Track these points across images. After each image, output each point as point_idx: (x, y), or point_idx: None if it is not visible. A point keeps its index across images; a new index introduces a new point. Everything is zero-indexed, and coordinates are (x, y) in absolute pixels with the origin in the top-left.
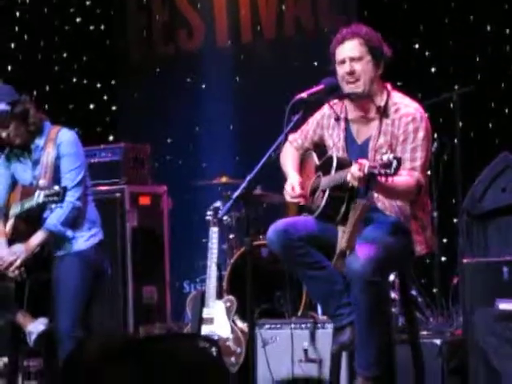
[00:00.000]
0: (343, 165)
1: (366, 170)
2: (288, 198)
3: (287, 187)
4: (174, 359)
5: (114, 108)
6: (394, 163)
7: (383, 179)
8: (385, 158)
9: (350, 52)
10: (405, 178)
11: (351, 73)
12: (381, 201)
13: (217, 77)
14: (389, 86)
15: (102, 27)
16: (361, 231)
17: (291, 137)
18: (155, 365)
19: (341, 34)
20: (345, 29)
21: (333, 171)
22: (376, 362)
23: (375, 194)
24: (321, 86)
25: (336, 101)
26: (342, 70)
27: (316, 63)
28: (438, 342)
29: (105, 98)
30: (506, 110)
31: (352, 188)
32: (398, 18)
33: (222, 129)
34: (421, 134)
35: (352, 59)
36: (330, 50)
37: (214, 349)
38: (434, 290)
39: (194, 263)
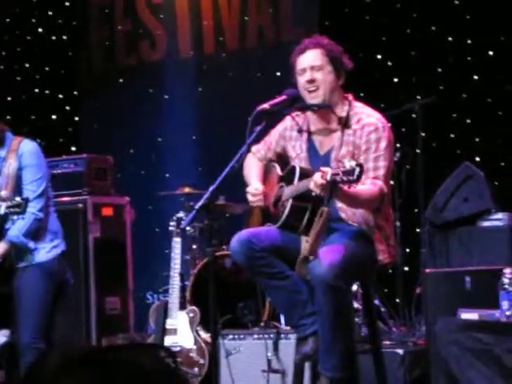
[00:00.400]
0: (306, 175)
1: (328, 178)
2: (250, 198)
3: (249, 189)
4: (134, 369)
5: (76, 119)
6: (357, 170)
7: (346, 187)
8: (347, 165)
9: (310, 61)
10: (368, 186)
11: (311, 81)
12: (344, 211)
13: (179, 87)
14: (350, 97)
15: (65, 37)
16: (324, 239)
17: (254, 148)
18: (115, 375)
19: (303, 44)
20: (307, 39)
21: (296, 181)
22: (340, 366)
23: (338, 204)
24: (283, 97)
25: (298, 112)
26: (302, 79)
27: (278, 74)
28: (400, 351)
29: (67, 108)
30: (468, 121)
31: (315, 197)
32: (359, 29)
33: (184, 139)
34: (383, 144)
35: (312, 68)
36: (291, 59)
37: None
38: (397, 300)
39: (156, 274)
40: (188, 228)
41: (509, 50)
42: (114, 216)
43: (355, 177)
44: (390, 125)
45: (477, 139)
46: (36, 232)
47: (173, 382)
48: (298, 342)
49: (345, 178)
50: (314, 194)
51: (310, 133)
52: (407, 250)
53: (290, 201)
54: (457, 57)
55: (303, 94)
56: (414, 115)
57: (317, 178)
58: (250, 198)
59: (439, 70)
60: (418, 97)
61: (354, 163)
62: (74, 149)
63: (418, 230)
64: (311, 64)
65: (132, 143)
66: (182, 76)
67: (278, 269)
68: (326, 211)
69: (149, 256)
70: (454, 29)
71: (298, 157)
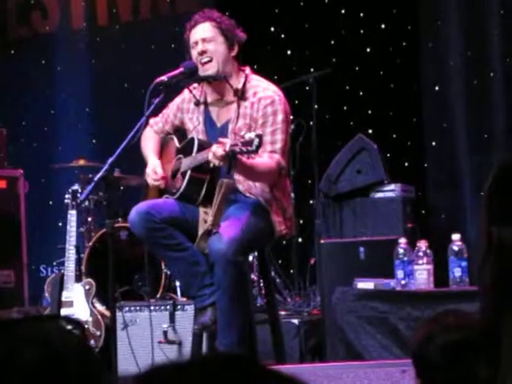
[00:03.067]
0: (204, 147)
1: (227, 148)
2: (150, 181)
3: (148, 170)
4: (41, 343)
5: None
6: (256, 141)
7: (245, 157)
8: (246, 136)
9: (201, 33)
10: (265, 159)
11: (203, 52)
12: (242, 183)
13: (72, 59)
14: (247, 70)
15: None
16: (224, 211)
17: (152, 120)
18: (20, 352)
19: (193, 19)
20: (197, 14)
21: (194, 153)
22: (239, 342)
23: (236, 176)
24: (180, 69)
25: (195, 85)
26: (195, 52)
27: (173, 46)
28: (295, 321)
29: None
30: (361, 93)
31: (213, 168)
32: (253, 2)
33: (78, 111)
34: (280, 117)
35: (204, 40)
36: (185, 35)
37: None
38: (292, 271)
39: (50, 247)
40: None
41: (401, 23)
42: (7, 189)
43: (254, 147)
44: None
45: (369, 111)
46: None
47: (84, 356)
48: (197, 312)
49: (244, 149)
50: (212, 165)
51: (206, 104)
52: (301, 222)
53: (189, 172)
54: (349, 29)
55: (199, 68)
56: (307, 87)
57: (215, 149)
58: (149, 180)
59: (332, 42)
60: (312, 69)
61: (252, 134)
62: None
63: (311, 202)
64: (202, 36)
65: (24, 115)
66: (74, 47)
67: (176, 240)
68: (226, 183)
69: (43, 229)
70: (346, 1)
71: (196, 129)
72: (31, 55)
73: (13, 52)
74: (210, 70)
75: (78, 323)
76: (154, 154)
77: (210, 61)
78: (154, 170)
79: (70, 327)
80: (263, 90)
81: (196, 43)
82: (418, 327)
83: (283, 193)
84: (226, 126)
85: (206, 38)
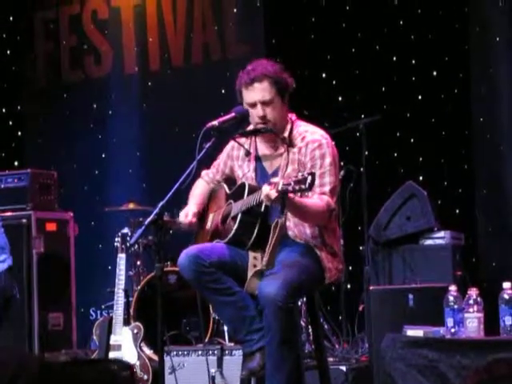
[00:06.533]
0: (255, 191)
1: (280, 187)
2: (180, 220)
3: (181, 214)
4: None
5: (19, 133)
6: (309, 179)
7: (297, 198)
8: (299, 174)
9: (260, 96)
10: (315, 200)
11: (264, 117)
12: (292, 229)
13: (124, 103)
14: (293, 117)
15: (8, 52)
16: (278, 252)
17: (204, 172)
18: None
19: (248, 74)
20: (250, 67)
21: (245, 196)
22: None
23: (286, 223)
24: (232, 115)
25: (243, 139)
26: (254, 112)
27: (223, 91)
28: (343, 368)
29: (10, 123)
30: (411, 140)
31: (264, 212)
32: (305, 47)
33: (128, 155)
34: (328, 160)
35: (263, 103)
36: (237, 87)
37: (125, 372)
38: (340, 318)
39: (99, 290)
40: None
41: (453, 70)
42: (57, 231)
43: (307, 185)
44: (333, 142)
45: (420, 158)
46: None
47: None
48: (245, 357)
49: (296, 187)
50: (263, 207)
51: (256, 152)
52: (350, 268)
53: (239, 216)
54: (401, 76)
55: (253, 123)
56: (358, 134)
57: (267, 188)
58: (180, 219)
59: (383, 89)
60: (362, 115)
61: (305, 172)
62: (16, 163)
63: (361, 248)
64: (261, 99)
65: (75, 159)
66: (126, 92)
67: (226, 284)
68: (281, 222)
69: (92, 272)
70: (398, 48)
71: (245, 176)
72: (83, 99)
73: (65, 96)
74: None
75: (127, 366)
76: (194, 202)
77: (269, 121)
78: (186, 214)
79: (118, 369)
80: (311, 134)
81: (254, 105)
82: (469, 376)
83: (333, 237)
84: (276, 173)
85: (265, 101)
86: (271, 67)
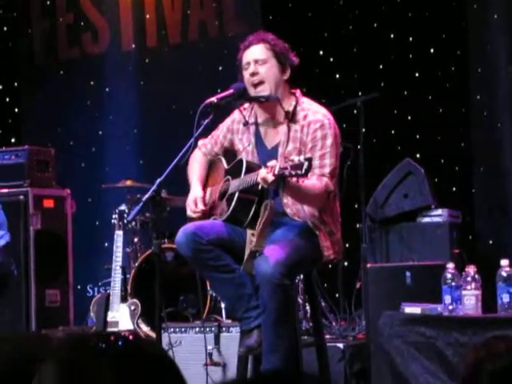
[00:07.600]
0: (253, 169)
1: (276, 172)
2: (189, 212)
3: (189, 201)
4: (140, 358)
5: (16, 110)
6: (305, 164)
7: (294, 180)
8: (296, 159)
9: (254, 55)
10: (314, 182)
11: (254, 74)
12: (290, 206)
13: (121, 80)
14: (298, 92)
15: (5, 29)
16: (269, 233)
17: (200, 142)
18: (122, 363)
19: (247, 40)
20: (251, 35)
21: (242, 174)
22: (283, 365)
23: (284, 200)
24: (230, 91)
25: (247, 105)
26: (247, 73)
27: (220, 68)
28: (341, 345)
29: (7, 100)
30: (409, 117)
31: (261, 190)
32: (302, 25)
33: (125, 132)
34: (329, 141)
35: (256, 61)
36: (238, 56)
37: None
38: (337, 295)
39: (97, 267)
40: None
41: (450, 48)
42: (54, 208)
43: (303, 171)
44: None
45: (417, 136)
46: None
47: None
48: (243, 334)
49: (293, 172)
50: (260, 187)
51: (257, 125)
52: (347, 245)
53: (237, 194)
54: (398, 54)
55: (249, 89)
56: (355, 111)
57: (264, 171)
58: (188, 210)
59: (381, 66)
60: (360, 93)
61: (302, 157)
62: (13, 140)
63: (358, 226)
64: (255, 58)
65: (72, 136)
66: (123, 69)
67: (223, 262)
68: (270, 204)
69: (89, 249)
70: (395, 26)
71: (245, 150)
72: (80, 76)
73: (62, 73)
74: (262, 92)
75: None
76: (198, 181)
77: (262, 83)
78: (195, 202)
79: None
80: (313, 114)
81: (248, 64)
82: (467, 353)
83: (332, 217)
84: (276, 148)
85: (258, 59)
86: (272, 36)
